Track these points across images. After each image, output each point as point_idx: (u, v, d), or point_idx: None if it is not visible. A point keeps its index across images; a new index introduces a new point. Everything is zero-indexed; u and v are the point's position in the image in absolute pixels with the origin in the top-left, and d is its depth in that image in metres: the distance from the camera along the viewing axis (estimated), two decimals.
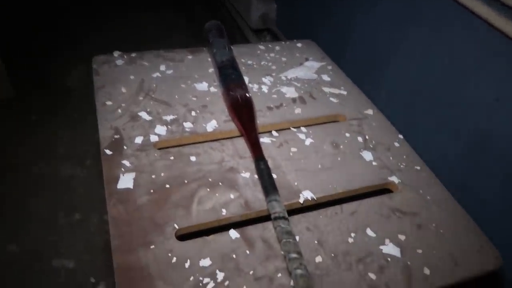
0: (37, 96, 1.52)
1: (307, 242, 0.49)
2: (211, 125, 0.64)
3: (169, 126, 0.63)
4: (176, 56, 0.80)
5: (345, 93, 0.75)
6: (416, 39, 0.76)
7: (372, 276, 0.47)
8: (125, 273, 0.44)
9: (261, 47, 0.86)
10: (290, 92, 0.73)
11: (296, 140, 0.64)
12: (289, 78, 0.77)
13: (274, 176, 0.57)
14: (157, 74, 0.74)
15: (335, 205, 0.55)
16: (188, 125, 0.64)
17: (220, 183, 0.55)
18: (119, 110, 0.65)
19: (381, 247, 0.50)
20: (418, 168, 0.62)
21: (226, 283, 0.44)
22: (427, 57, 0.75)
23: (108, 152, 0.57)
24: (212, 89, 0.72)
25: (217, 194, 0.54)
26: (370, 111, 0.71)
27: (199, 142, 0.62)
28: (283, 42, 0.89)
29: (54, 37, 1.88)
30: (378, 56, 0.88)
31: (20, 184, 1.22)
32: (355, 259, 0.48)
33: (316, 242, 0.50)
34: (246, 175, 0.57)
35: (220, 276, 0.45)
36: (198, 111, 0.67)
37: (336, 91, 0.75)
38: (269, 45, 0.87)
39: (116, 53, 0.78)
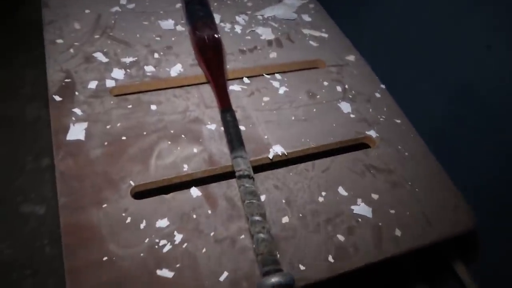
0: None
1: (274, 201, 0.46)
2: (175, 70, 0.58)
3: (128, 70, 0.56)
4: None
5: (326, 36, 0.68)
6: None
7: (340, 237, 0.44)
8: (74, 234, 0.40)
9: None
10: (266, 34, 0.66)
11: (269, 88, 0.58)
12: (266, 17, 0.69)
13: (243, 128, 0.52)
14: (117, 8, 0.65)
15: (307, 162, 0.51)
16: (149, 68, 0.57)
17: (183, 135, 0.50)
18: (71, 50, 0.57)
19: (353, 207, 0.47)
20: (398, 121, 0.58)
21: (184, 245, 0.41)
22: None
23: (57, 98, 0.51)
24: (179, 27, 0.64)
25: (178, 148, 0.49)
26: (351, 57, 0.65)
27: (162, 89, 0.56)
28: None
29: None
30: None
31: None
32: (324, 219, 0.45)
33: (283, 201, 0.46)
34: (212, 126, 0.52)
35: (178, 237, 0.42)
36: (161, 53, 0.60)
37: (317, 33, 0.68)
38: None
39: None
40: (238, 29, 0.66)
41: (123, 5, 0.66)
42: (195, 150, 0.49)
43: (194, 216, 0.43)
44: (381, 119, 0.57)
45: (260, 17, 0.69)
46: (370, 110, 0.58)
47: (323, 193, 0.48)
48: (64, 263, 0.38)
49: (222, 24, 0.66)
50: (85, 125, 0.49)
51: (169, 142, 0.49)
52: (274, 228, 0.43)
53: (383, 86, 0.62)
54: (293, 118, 0.55)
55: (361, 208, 0.47)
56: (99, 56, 0.57)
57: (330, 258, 0.42)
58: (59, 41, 0.58)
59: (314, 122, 0.55)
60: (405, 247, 0.45)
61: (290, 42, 0.66)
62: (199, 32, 0.57)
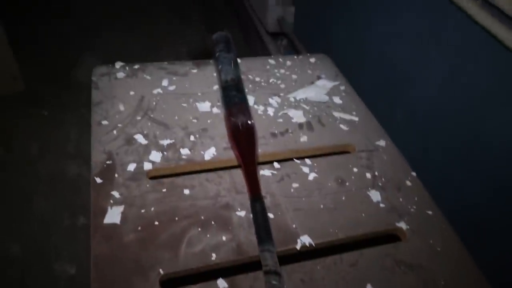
0: (48, 90, 1.51)
1: None
2: (209, 153, 0.60)
3: (165, 153, 0.60)
4: (180, 69, 0.76)
5: (356, 119, 0.70)
6: (439, 60, 0.70)
7: None
8: None
9: (271, 61, 0.81)
10: (297, 116, 0.68)
11: (298, 173, 0.59)
12: (298, 100, 0.72)
13: (271, 215, 0.53)
14: (158, 90, 0.70)
15: (335, 254, 0.51)
16: (185, 151, 0.60)
17: (213, 222, 0.52)
18: (115, 132, 0.62)
19: None
20: (430, 212, 0.57)
21: None
22: (450, 81, 0.69)
23: (98, 180, 0.55)
24: (215, 109, 0.68)
25: (208, 235, 0.50)
26: (382, 142, 0.66)
27: (195, 172, 0.58)
28: (295, 57, 0.84)
29: (65, 26, 1.85)
30: (396, 74, 0.82)
31: (27, 181, 1.22)
32: None
33: None
34: (242, 213, 0.53)
35: None
36: (197, 136, 0.63)
37: (347, 116, 0.70)
38: (280, 59, 0.82)
39: (118, 64, 0.75)
40: (270, 111, 0.69)
41: (164, 87, 0.71)
42: (224, 238, 0.50)
43: None
44: (411, 209, 0.57)
45: (292, 99, 0.72)
46: (401, 199, 0.58)
47: None
48: None
49: (255, 106, 0.69)
50: (121, 208, 0.52)
51: (199, 229, 0.51)
52: None
53: (413, 173, 0.62)
54: (321, 206, 0.55)
55: None
56: (139, 138, 0.61)
57: None
58: (104, 122, 0.63)
59: (343, 211, 0.55)
60: None
61: (321, 125, 0.68)
62: (234, 118, 0.60)
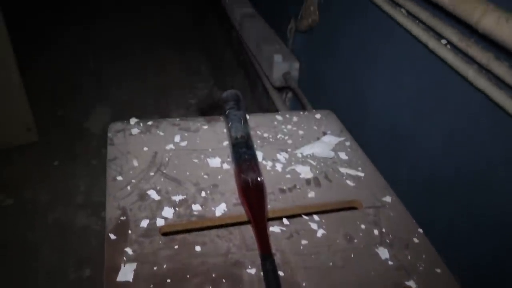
0: (59, 139, 1.56)
1: None
2: (220, 209, 0.62)
3: (177, 209, 0.61)
4: (192, 126, 0.79)
5: (362, 174, 0.72)
6: (439, 120, 0.73)
7: None
8: None
9: (279, 117, 0.85)
10: (304, 172, 0.71)
11: (307, 230, 0.61)
12: (305, 155, 0.75)
13: (282, 273, 0.54)
14: (171, 146, 0.73)
15: None
16: (196, 207, 0.62)
17: (224, 280, 0.52)
18: (129, 188, 0.64)
19: None
20: (439, 271, 0.57)
21: None
22: (452, 141, 0.71)
23: (112, 236, 0.56)
24: (225, 165, 0.70)
25: None
26: (388, 198, 0.68)
27: (207, 228, 0.60)
28: (301, 112, 0.88)
29: (79, 77, 1.94)
30: (398, 131, 0.85)
31: (35, 230, 1.23)
32: None
33: None
34: (252, 271, 0.54)
35: None
36: (208, 191, 0.65)
37: (353, 172, 0.72)
38: (287, 115, 0.86)
39: (132, 121, 0.79)
40: (278, 167, 0.71)
41: (177, 143, 0.74)
42: None
43: None
44: (420, 268, 0.57)
45: (299, 155, 0.75)
46: (409, 257, 0.58)
47: None
48: None
49: (264, 161, 0.72)
50: (134, 265, 0.53)
51: (211, 287, 0.51)
52: None
53: (420, 230, 0.62)
54: (331, 264, 0.56)
55: None
56: (152, 194, 0.63)
57: None
58: (119, 178, 0.65)
59: (352, 269, 0.56)
60: None
61: (328, 181, 0.70)
62: (244, 175, 0.62)
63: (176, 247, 0.56)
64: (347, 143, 0.79)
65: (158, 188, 0.64)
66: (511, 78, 0.57)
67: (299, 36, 1.31)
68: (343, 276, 0.55)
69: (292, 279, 0.53)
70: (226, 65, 2.09)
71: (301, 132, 0.81)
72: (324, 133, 0.81)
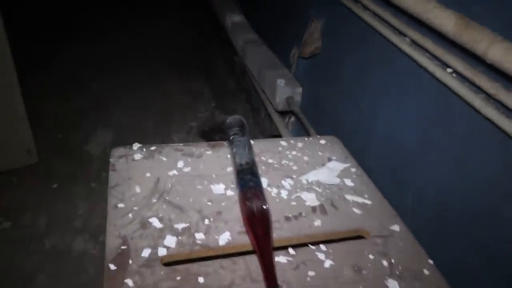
0: (59, 162, 1.55)
1: None
2: (223, 238, 0.60)
3: (179, 237, 0.59)
4: (195, 151, 0.78)
5: (369, 202, 0.70)
6: (445, 146, 0.72)
7: None
8: None
9: (283, 143, 0.84)
10: (310, 200, 0.69)
11: (314, 261, 0.59)
12: (310, 182, 0.73)
13: None
14: (174, 171, 0.72)
15: None
16: (199, 236, 0.60)
17: None
18: (130, 215, 0.62)
19: None
20: None
21: None
22: (458, 167, 0.70)
23: (112, 267, 0.54)
24: (229, 192, 0.69)
25: None
26: (396, 227, 0.66)
27: (210, 258, 0.58)
28: (306, 139, 0.87)
29: (80, 101, 1.93)
30: (404, 158, 0.84)
31: (32, 257, 1.20)
32: None
33: None
34: None
35: None
36: (211, 219, 0.63)
37: (360, 199, 0.71)
38: (291, 141, 0.85)
39: (135, 146, 0.77)
40: (284, 194, 0.70)
41: (179, 168, 0.73)
42: None
43: None
44: None
45: (304, 181, 0.73)
46: None
47: None
48: None
49: (269, 188, 0.70)
50: None
51: None
52: None
53: (431, 261, 0.61)
54: None
55: None
56: (154, 221, 0.62)
57: None
58: (120, 205, 0.64)
59: None
60: None
61: (333, 209, 0.68)
62: (249, 202, 0.61)
63: (178, 278, 0.54)
64: (353, 169, 0.78)
65: (160, 215, 0.63)
66: None
67: (302, 62, 1.31)
68: None
69: None
70: (228, 89, 2.10)
71: (306, 158, 0.80)
72: (329, 159, 0.80)
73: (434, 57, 0.73)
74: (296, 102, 1.29)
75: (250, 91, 1.75)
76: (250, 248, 0.60)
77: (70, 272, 1.17)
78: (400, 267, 0.59)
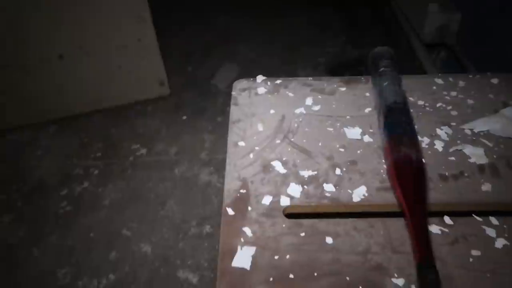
0: (189, 96, 1.58)
1: None
2: (358, 193, 0.49)
3: (305, 186, 0.51)
4: (326, 87, 0.66)
5: None
6: None
7: None
8: None
9: (439, 80, 0.66)
10: (476, 156, 0.53)
11: (480, 237, 0.44)
12: (476, 132, 0.56)
13: None
14: (301, 109, 0.62)
15: None
16: (329, 187, 0.50)
17: (361, 287, 0.41)
18: (251, 155, 0.55)
19: None
20: None
21: None
22: None
23: (230, 211, 0.48)
24: (367, 138, 0.57)
25: None
26: None
27: (341, 215, 0.48)
28: (471, 76, 0.67)
29: (209, 34, 1.92)
30: None
31: (164, 183, 1.27)
32: None
33: None
34: (399, 281, 0.41)
35: None
36: (344, 169, 0.53)
37: None
38: (450, 79, 0.66)
39: (259, 78, 0.69)
40: (438, 145, 0.55)
41: (308, 106, 0.63)
42: None
43: None
44: None
45: (468, 131, 0.57)
46: None
47: None
48: None
49: (419, 137, 0.56)
50: (252, 250, 0.44)
51: None
52: None
53: None
54: None
55: None
56: (278, 165, 0.54)
57: None
58: (241, 143, 0.57)
59: None
60: None
61: (511, 171, 0.51)
62: (400, 150, 0.48)
63: (302, 234, 0.46)
64: None
65: (284, 159, 0.54)
66: None
67: None
68: None
69: None
70: (362, 19, 1.86)
71: (470, 101, 0.62)
72: (506, 104, 0.60)
73: None
74: (451, 33, 1.04)
75: (389, 22, 1.51)
76: (393, 209, 0.48)
77: (197, 201, 1.22)
78: None
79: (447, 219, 0.46)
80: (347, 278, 0.42)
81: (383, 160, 0.53)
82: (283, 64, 1.72)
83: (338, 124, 0.59)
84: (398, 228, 0.46)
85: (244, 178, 0.52)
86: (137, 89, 1.53)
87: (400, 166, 0.47)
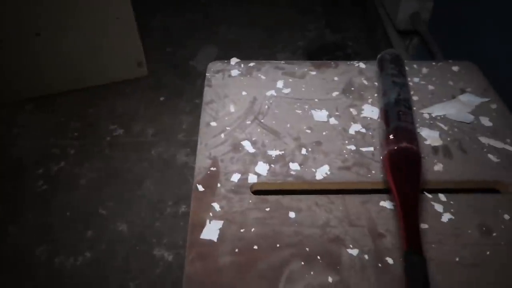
0: (167, 77, 1.58)
1: None
2: (321, 171, 0.53)
3: (272, 165, 0.54)
4: (298, 71, 0.69)
5: (511, 149, 0.55)
6: None
7: None
8: None
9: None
10: (432, 138, 0.57)
11: (429, 212, 0.48)
12: (434, 117, 0.60)
13: (391, 261, 0.44)
14: (272, 92, 0.65)
15: None
16: (294, 166, 0.53)
17: (319, 257, 0.44)
18: (222, 135, 0.58)
19: None
20: None
21: None
22: None
23: (200, 188, 0.51)
24: (332, 120, 0.60)
25: (312, 273, 0.43)
26: None
27: (304, 192, 0.51)
28: (433, 63, 0.71)
29: (189, 16, 1.91)
30: None
31: (141, 163, 1.29)
32: None
33: None
34: (354, 252, 0.44)
35: None
36: (309, 149, 0.56)
37: (499, 144, 0.56)
38: (414, 65, 0.70)
39: (233, 61, 0.71)
40: None
41: (279, 89, 0.65)
42: (330, 280, 0.42)
43: None
44: None
45: (427, 115, 0.60)
46: None
47: None
48: None
49: (379, 120, 0.59)
50: (220, 224, 0.47)
51: (302, 263, 0.44)
52: None
53: None
54: (457, 259, 0.44)
55: None
56: (247, 145, 0.56)
57: None
58: (213, 123, 0.59)
59: (486, 271, 0.43)
60: None
61: (462, 153, 0.55)
62: (403, 143, 0.49)
63: (267, 209, 0.49)
64: (493, 106, 0.62)
65: (253, 139, 0.57)
66: None
67: None
68: (472, 277, 0.43)
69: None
70: (342, 3, 1.88)
71: (431, 87, 0.65)
72: (463, 91, 0.64)
73: None
74: (423, 20, 1.08)
75: (367, 7, 1.54)
76: (350, 186, 0.51)
77: (173, 181, 1.24)
78: None
79: None
80: (307, 249, 0.45)
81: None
82: (263, 48, 1.73)
83: (306, 107, 0.62)
84: (356, 204, 0.49)
85: (214, 156, 0.55)
86: (115, 69, 1.52)
87: (393, 160, 0.49)
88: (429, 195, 0.50)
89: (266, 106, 0.62)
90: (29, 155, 1.32)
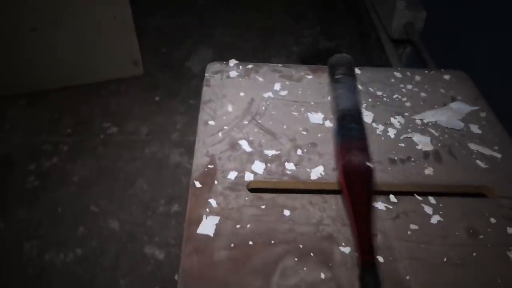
0: (162, 77, 1.59)
1: None
2: (316, 172, 0.54)
3: (268, 164, 0.55)
4: (294, 74, 0.71)
5: (499, 156, 0.57)
6: None
7: None
8: None
9: (397, 74, 0.72)
10: (423, 143, 0.59)
11: (419, 213, 0.50)
12: (425, 123, 0.62)
13: (381, 260, 0.45)
14: (269, 94, 0.66)
15: None
16: (290, 166, 0.55)
17: (312, 254, 0.45)
18: (220, 134, 0.59)
19: None
20: None
21: None
22: None
23: (197, 184, 0.52)
24: (328, 123, 0.61)
25: (305, 268, 0.44)
26: None
27: (299, 191, 0.53)
28: (426, 72, 0.73)
29: (186, 18, 1.93)
30: None
31: (134, 162, 1.29)
32: None
33: None
34: (346, 249, 0.46)
35: None
36: (305, 150, 0.57)
37: (487, 151, 0.58)
38: (408, 73, 0.72)
39: (231, 62, 0.72)
40: (391, 132, 0.60)
41: (276, 91, 0.67)
42: (322, 276, 0.44)
43: None
44: None
45: (419, 121, 0.62)
46: None
47: None
48: None
49: (374, 124, 0.61)
50: (216, 219, 0.48)
51: (296, 259, 0.45)
52: None
53: None
54: (445, 259, 0.46)
55: None
56: (244, 144, 0.57)
57: None
58: (211, 122, 0.61)
59: (472, 271, 0.45)
60: None
61: (451, 158, 0.57)
62: (349, 156, 0.50)
63: (263, 206, 0.50)
64: (482, 114, 0.64)
65: (250, 138, 0.58)
66: None
67: None
68: (460, 277, 0.44)
69: (393, 269, 0.45)
70: (337, 11, 1.91)
71: (423, 94, 0.67)
72: (453, 99, 0.67)
73: None
74: (416, 30, 1.10)
75: (361, 15, 1.57)
76: None
77: (166, 181, 1.24)
78: None
79: (392, 198, 0.52)
80: (301, 246, 0.46)
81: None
82: (257, 52, 1.75)
83: (303, 109, 0.64)
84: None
85: (212, 154, 0.56)
86: (111, 68, 1.52)
87: (345, 172, 0.49)
88: (420, 198, 0.52)
89: (263, 107, 0.64)
90: (20, 151, 1.31)
